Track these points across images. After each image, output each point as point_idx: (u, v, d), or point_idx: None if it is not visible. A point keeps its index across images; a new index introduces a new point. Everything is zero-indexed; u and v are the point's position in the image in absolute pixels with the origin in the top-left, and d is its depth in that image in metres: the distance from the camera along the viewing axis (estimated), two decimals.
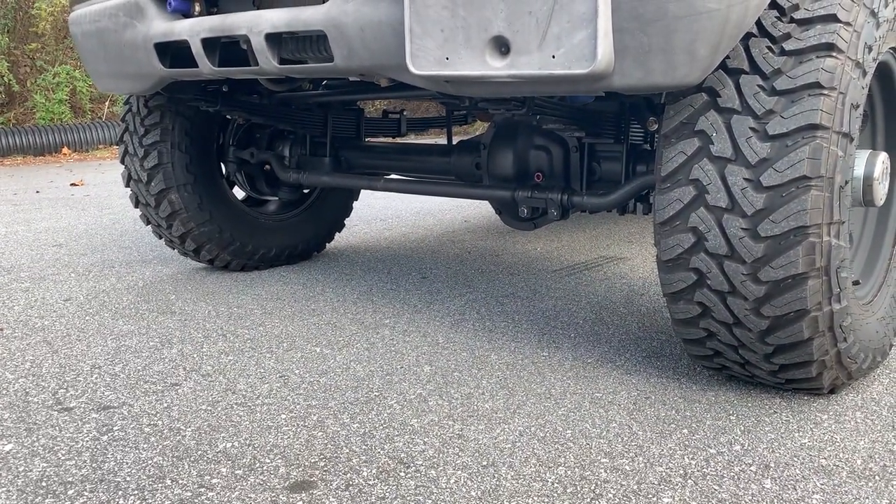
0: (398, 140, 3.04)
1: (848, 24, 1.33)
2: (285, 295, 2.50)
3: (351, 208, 3.18)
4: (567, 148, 2.00)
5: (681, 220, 1.43)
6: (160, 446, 1.43)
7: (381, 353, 1.93)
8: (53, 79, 9.89)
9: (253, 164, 2.72)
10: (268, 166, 2.74)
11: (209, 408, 1.60)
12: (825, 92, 1.30)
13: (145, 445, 1.43)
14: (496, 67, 1.32)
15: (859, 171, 1.57)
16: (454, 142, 2.55)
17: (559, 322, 2.19)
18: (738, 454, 1.38)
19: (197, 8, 1.85)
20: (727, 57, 1.37)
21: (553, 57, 1.26)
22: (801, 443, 1.42)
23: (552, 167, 2.03)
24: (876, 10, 1.39)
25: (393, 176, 2.67)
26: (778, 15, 1.37)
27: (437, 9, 1.35)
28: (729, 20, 1.24)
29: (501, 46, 1.32)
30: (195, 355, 1.93)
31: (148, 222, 2.71)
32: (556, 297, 2.46)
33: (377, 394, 1.66)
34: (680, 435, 1.46)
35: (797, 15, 1.36)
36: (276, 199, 2.90)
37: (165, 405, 1.62)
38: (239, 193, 2.87)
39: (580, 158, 1.97)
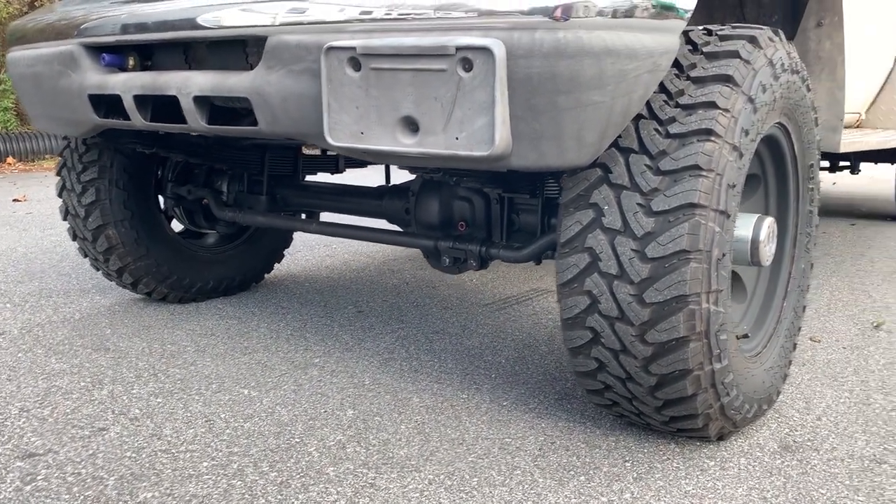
0: (336, 178, 3.13)
1: (726, 110, 1.47)
2: (220, 330, 2.55)
3: (291, 239, 3.25)
4: (488, 200, 2.11)
5: (578, 284, 1.54)
6: (82, 497, 1.49)
7: (308, 395, 2.01)
8: None
9: (191, 200, 2.78)
10: (206, 201, 2.79)
11: (133, 455, 1.66)
12: (703, 173, 1.43)
13: (67, 496, 1.49)
14: (406, 144, 1.43)
15: (747, 233, 1.71)
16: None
17: (483, 361, 2.30)
18: (627, 502, 1.50)
19: (131, 62, 1.92)
20: (620, 136, 1.50)
21: (457, 139, 1.37)
22: (686, 490, 1.55)
23: (475, 217, 2.13)
24: (753, 97, 1.53)
25: (327, 218, 2.75)
26: (666, 99, 1.50)
27: (352, 87, 1.44)
28: (614, 110, 1.37)
29: (411, 125, 1.42)
30: (125, 397, 1.98)
31: (86, 255, 2.74)
32: (483, 334, 2.57)
33: (298, 440, 1.74)
34: (577, 482, 1.57)
35: (682, 100, 1.49)
36: (215, 232, 2.96)
37: (91, 452, 1.67)
38: (177, 226, 2.92)
39: (500, 210, 2.09)
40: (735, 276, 1.94)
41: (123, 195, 2.61)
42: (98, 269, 2.79)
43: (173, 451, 1.69)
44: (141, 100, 1.84)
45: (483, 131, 1.34)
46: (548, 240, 1.91)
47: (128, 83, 1.84)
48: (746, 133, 1.51)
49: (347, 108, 1.46)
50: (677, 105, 1.49)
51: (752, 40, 1.58)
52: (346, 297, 3.04)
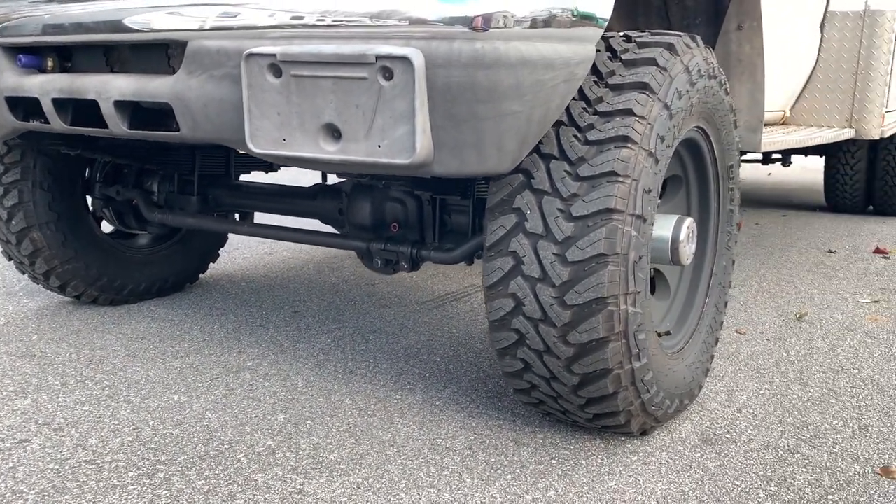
0: (271, 176, 3.10)
1: (642, 117, 1.51)
2: (151, 334, 2.51)
3: (226, 239, 3.21)
4: (421, 201, 2.12)
5: (503, 287, 1.57)
6: None
7: (239, 400, 1.99)
8: None
9: (120, 201, 2.72)
10: (136, 202, 2.74)
11: (56, 467, 1.63)
12: (620, 179, 1.47)
13: None
14: (329, 151, 1.43)
15: (667, 234, 1.77)
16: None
17: (418, 360, 2.31)
18: (551, 500, 1.54)
19: (49, 64, 1.87)
20: (541, 143, 1.53)
21: (379, 146, 1.38)
22: (609, 486, 1.60)
23: (407, 218, 2.14)
24: (669, 104, 1.57)
25: (260, 219, 2.72)
26: (585, 106, 1.53)
27: (272, 93, 1.44)
28: (532, 119, 1.39)
29: (333, 132, 1.42)
30: (50, 406, 1.94)
31: (10, 258, 2.67)
32: (420, 333, 2.58)
33: (227, 447, 1.73)
34: (503, 481, 1.61)
35: (600, 108, 1.52)
36: (147, 232, 2.90)
37: (11, 465, 1.64)
38: (107, 227, 2.86)
39: (432, 211, 2.10)
40: (658, 275, 1.99)
41: (48, 197, 2.54)
42: (24, 273, 2.71)
43: (98, 461, 1.66)
44: (60, 103, 1.79)
45: (404, 139, 1.35)
46: (478, 241, 1.93)
47: (45, 86, 1.79)
48: (662, 139, 1.56)
49: (269, 114, 1.45)
50: (596, 112, 1.53)
51: (670, 47, 1.62)
52: (282, 296, 3.02)
